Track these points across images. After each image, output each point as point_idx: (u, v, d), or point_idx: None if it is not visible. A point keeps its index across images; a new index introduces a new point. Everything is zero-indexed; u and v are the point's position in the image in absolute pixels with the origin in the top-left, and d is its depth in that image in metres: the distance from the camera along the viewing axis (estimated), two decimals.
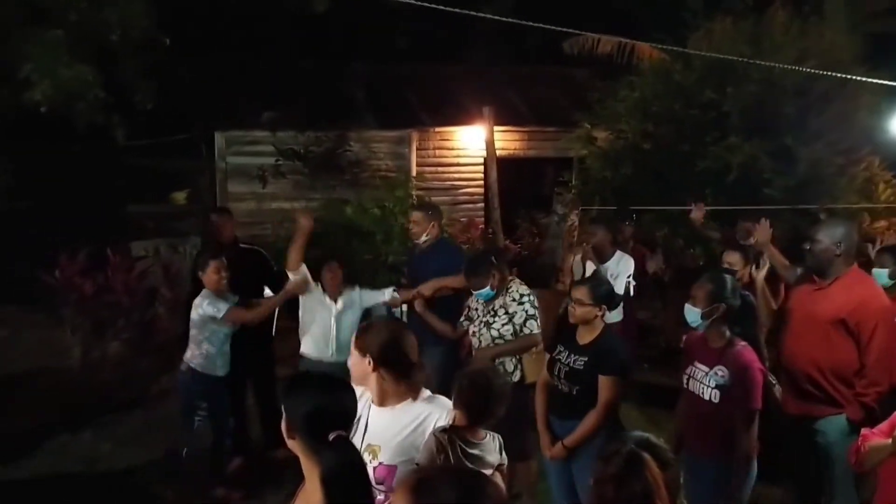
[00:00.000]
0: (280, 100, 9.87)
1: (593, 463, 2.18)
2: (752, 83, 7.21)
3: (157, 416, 6.17)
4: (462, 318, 4.60)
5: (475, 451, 2.69)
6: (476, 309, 4.48)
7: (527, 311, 4.28)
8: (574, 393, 3.65)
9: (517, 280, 4.51)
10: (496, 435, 2.82)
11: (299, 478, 2.10)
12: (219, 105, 9.94)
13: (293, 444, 2.03)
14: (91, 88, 6.71)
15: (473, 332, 4.44)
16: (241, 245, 5.45)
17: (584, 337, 3.71)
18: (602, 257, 5.70)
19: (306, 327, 5.00)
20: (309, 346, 4.99)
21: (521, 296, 4.34)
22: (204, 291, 4.63)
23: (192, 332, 4.67)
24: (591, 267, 5.68)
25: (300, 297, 4.97)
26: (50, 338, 7.37)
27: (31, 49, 6.71)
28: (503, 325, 4.29)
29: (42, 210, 9.12)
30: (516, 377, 4.31)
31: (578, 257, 6.09)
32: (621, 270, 5.61)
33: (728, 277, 3.54)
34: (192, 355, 4.66)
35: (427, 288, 4.85)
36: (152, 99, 7.93)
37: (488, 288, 4.33)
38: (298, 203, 9.94)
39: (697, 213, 6.14)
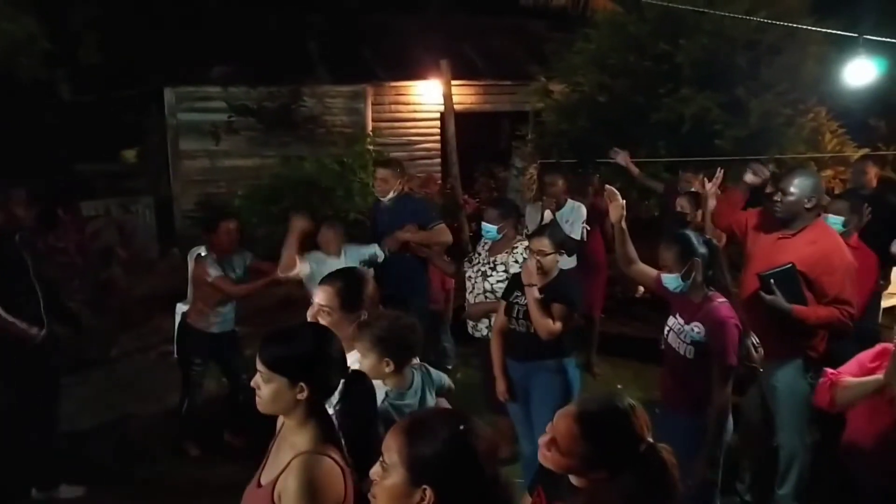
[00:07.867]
0: (231, 53, 9.62)
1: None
2: (703, 35, 7.27)
3: (118, 377, 6.14)
4: (465, 259, 4.74)
5: (406, 402, 2.65)
6: (479, 254, 4.57)
7: None
8: (531, 332, 3.79)
9: (525, 243, 4.54)
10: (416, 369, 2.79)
11: None
12: (167, 59, 9.65)
13: (283, 395, 1.99)
14: (36, 42, 6.46)
15: (469, 277, 4.54)
16: None
17: (541, 281, 3.83)
18: (557, 205, 5.82)
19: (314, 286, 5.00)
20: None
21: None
22: (209, 252, 4.65)
23: (189, 287, 4.75)
24: (548, 215, 5.78)
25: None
26: None
27: None
28: (498, 281, 4.34)
29: None
30: None
31: (530, 207, 6.20)
32: (576, 217, 5.75)
33: (688, 232, 3.49)
34: (189, 309, 4.75)
35: (415, 235, 4.88)
36: (96, 52, 7.68)
37: (495, 229, 4.39)
38: (252, 160, 9.80)
39: (621, 158, 6.36)
